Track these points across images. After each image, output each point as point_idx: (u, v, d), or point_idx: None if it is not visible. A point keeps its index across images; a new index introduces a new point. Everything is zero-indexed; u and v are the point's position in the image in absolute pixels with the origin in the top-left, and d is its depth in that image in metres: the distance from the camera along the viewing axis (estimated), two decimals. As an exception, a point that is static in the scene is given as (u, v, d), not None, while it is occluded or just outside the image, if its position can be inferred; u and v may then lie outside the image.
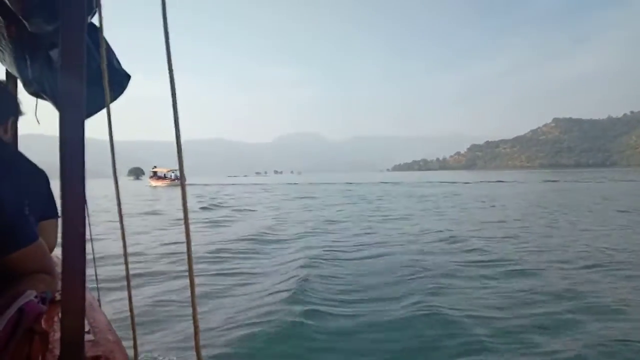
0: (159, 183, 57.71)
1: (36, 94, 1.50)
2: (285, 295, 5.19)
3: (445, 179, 66.01)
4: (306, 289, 5.43)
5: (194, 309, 1.06)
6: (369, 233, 10.77)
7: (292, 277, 6.10)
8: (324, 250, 8.23)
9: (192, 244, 0.96)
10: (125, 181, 62.58)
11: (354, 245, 8.92)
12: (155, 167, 65.16)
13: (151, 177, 64.02)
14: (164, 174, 64.94)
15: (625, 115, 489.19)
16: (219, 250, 8.55)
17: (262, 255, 8.17)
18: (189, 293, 1.06)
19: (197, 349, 1.03)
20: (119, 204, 1.29)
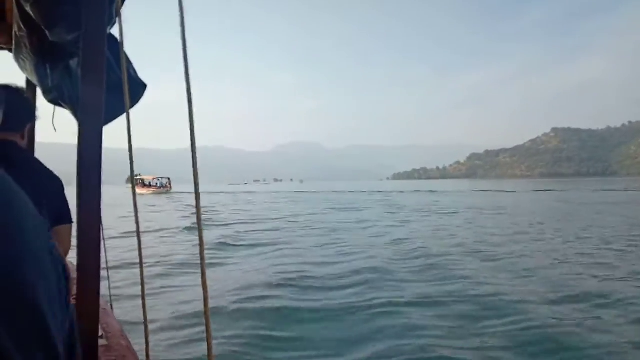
0: (144, 191, 55.75)
1: (55, 102, 1.53)
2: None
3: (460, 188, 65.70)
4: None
5: (207, 314, 1.07)
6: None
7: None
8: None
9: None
10: (123, 189, 61.34)
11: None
12: (139, 174, 62.15)
13: (135, 184, 61.97)
14: (149, 182, 63.52)
15: (623, 125, 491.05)
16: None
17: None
18: (201, 301, 1.07)
19: (210, 355, 1.04)
20: (136, 213, 1.31)
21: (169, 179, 64.88)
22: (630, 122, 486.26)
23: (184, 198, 39.33)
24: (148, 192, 54.79)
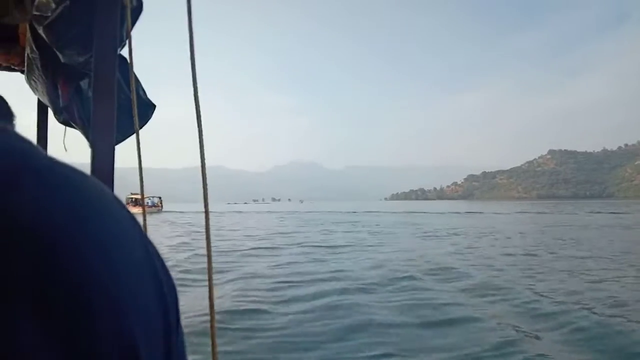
0: (134, 210, 55.34)
1: (66, 122, 1.55)
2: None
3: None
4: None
5: (213, 336, 1.07)
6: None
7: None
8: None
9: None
10: None
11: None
12: (131, 193, 61.93)
13: (128, 203, 58.95)
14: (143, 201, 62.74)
15: (619, 148, 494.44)
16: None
17: None
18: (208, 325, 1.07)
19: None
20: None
21: (160, 198, 64.87)
22: (626, 145, 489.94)
23: (174, 217, 39.65)
24: (139, 212, 53.90)
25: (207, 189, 1.10)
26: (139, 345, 0.26)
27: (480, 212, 50.49)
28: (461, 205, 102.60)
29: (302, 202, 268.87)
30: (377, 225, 28.17)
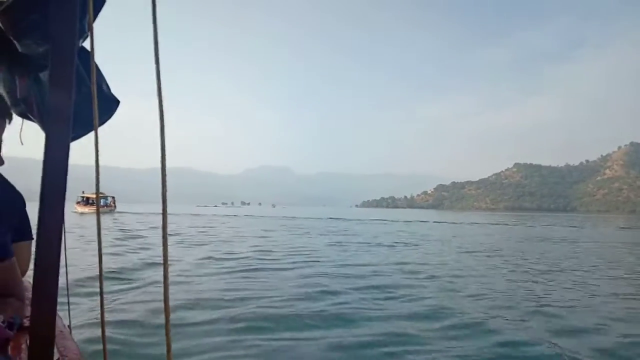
0: (86, 209, 50.95)
1: (23, 114, 1.48)
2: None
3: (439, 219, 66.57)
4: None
5: (168, 337, 1.03)
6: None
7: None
8: None
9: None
10: (69, 209, 55.51)
11: None
12: (83, 192, 55.83)
13: (78, 202, 55.54)
14: (93, 200, 55.52)
15: (581, 163, 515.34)
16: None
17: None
18: (161, 319, 1.04)
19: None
20: (99, 235, 1.26)
21: (113, 197, 62.23)
22: (587, 161, 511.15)
23: (124, 218, 38.29)
24: (90, 211, 50.71)
25: (166, 189, 1.06)
26: None
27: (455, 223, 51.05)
28: (435, 215, 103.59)
29: (274, 207, 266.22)
30: (404, 234, 26.46)
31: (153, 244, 15.28)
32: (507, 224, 48.40)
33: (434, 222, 50.14)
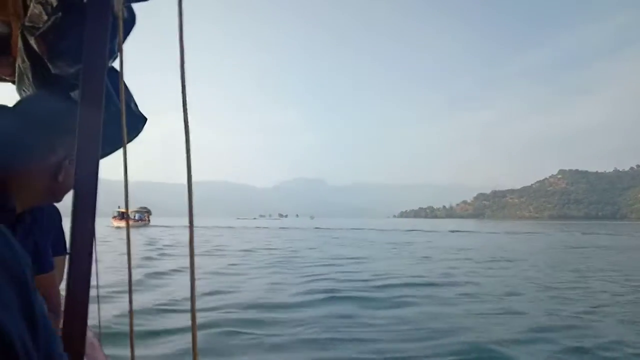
0: (122, 224, 51.33)
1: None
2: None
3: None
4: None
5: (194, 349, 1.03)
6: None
7: None
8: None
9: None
10: (106, 223, 56.54)
11: None
12: (119, 207, 57.26)
13: (114, 217, 57.70)
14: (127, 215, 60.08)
15: (631, 168, 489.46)
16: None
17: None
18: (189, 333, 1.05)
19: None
20: (128, 248, 1.29)
21: (148, 211, 63.88)
22: (638, 166, 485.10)
23: (159, 232, 38.69)
24: (123, 225, 51.86)
25: (192, 203, 1.07)
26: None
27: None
28: (477, 225, 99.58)
29: (312, 218, 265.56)
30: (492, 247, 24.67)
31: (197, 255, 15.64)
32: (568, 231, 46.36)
33: (505, 232, 48.17)
